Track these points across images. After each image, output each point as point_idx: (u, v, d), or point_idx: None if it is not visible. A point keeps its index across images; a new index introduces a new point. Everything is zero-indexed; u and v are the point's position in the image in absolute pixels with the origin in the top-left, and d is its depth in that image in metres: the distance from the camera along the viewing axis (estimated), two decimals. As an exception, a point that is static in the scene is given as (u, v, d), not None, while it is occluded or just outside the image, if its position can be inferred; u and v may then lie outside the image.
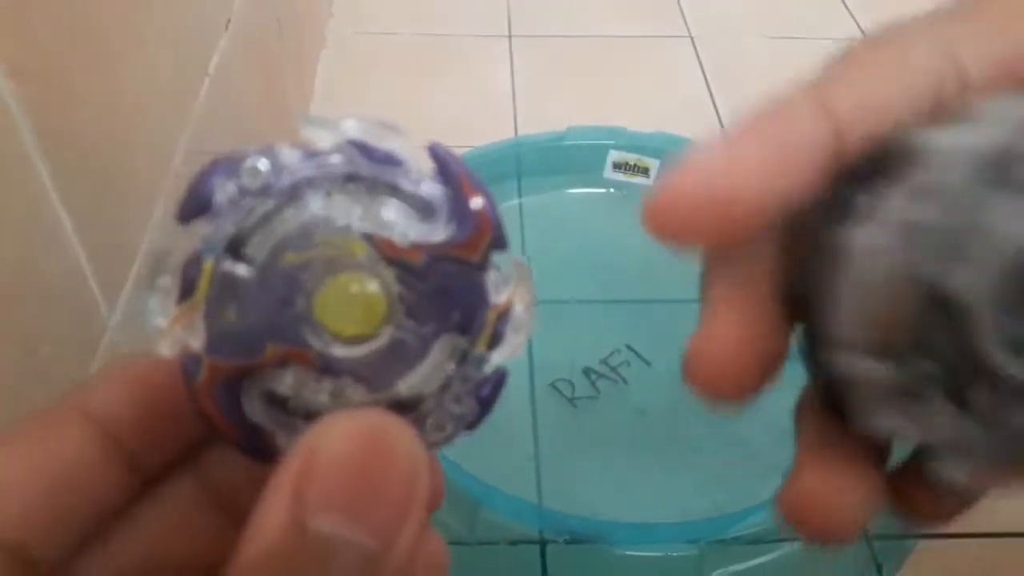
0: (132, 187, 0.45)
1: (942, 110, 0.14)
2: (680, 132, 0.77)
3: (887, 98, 0.14)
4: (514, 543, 0.52)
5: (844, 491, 0.14)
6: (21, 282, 0.33)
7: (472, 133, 0.86)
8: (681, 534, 0.51)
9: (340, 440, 0.13)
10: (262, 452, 0.15)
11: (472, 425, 0.16)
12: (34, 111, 0.34)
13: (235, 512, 0.16)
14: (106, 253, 0.40)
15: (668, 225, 0.14)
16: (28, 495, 0.14)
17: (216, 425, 0.15)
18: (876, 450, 0.15)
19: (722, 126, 0.95)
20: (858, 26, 1.12)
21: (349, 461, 0.12)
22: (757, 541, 0.52)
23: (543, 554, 0.52)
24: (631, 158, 0.75)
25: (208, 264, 0.15)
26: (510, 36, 1.07)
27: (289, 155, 0.16)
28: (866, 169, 0.14)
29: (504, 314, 0.16)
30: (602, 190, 0.77)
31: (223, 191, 0.16)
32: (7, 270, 0.32)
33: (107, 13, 0.42)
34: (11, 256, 0.33)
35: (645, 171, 0.74)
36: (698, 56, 1.05)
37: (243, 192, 0.15)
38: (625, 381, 0.61)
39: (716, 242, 0.15)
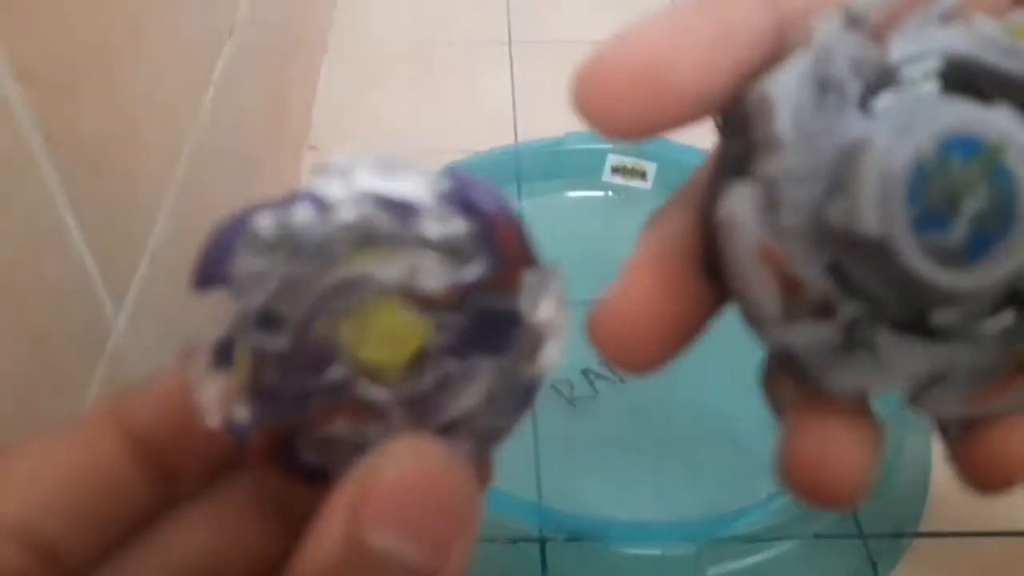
0: (138, 190, 0.45)
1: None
2: (678, 137, 0.77)
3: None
4: (514, 541, 0.53)
5: (843, 444, 0.14)
6: (27, 283, 0.34)
7: (472, 138, 0.87)
8: (679, 532, 0.52)
9: (396, 464, 0.13)
10: (320, 481, 0.15)
11: (512, 431, 0.16)
12: (41, 115, 0.34)
13: (286, 519, 0.17)
14: (112, 255, 0.41)
15: (599, 96, 0.14)
16: (60, 495, 0.14)
17: (274, 475, 0.15)
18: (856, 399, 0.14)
19: (721, 131, 0.95)
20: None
21: (405, 482, 0.13)
22: (754, 539, 0.52)
23: (543, 552, 0.53)
24: (629, 162, 0.75)
25: (242, 345, 0.15)
26: (510, 42, 1.07)
27: (303, 214, 0.15)
28: (735, 129, 0.14)
29: (541, 327, 0.16)
30: (601, 193, 0.77)
31: (240, 258, 0.15)
32: (14, 271, 0.33)
33: (115, 20, 0.42)
34: (18, 258, 0.33)
35: (643, 175, 0.75)
36: (697, 61, 1.06)
37: (262, 258, 0.15)
38: (623, 381, 0.62)
39: (647, 122, 0.14)
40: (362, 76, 1.01)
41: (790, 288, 0.12)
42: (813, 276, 0.12)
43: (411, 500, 0.13)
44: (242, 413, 0.15)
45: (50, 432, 0.15)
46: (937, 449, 0.56)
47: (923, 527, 0.58)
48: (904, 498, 0.59)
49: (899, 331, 0.13)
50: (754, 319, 0.13)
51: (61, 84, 0.37)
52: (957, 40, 0.12)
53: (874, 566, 0.56)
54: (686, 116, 0.14)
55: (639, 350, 0.14)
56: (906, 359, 0.13)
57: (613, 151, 0.76)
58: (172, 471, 0.16)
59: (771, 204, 0.12)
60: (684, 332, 0.15)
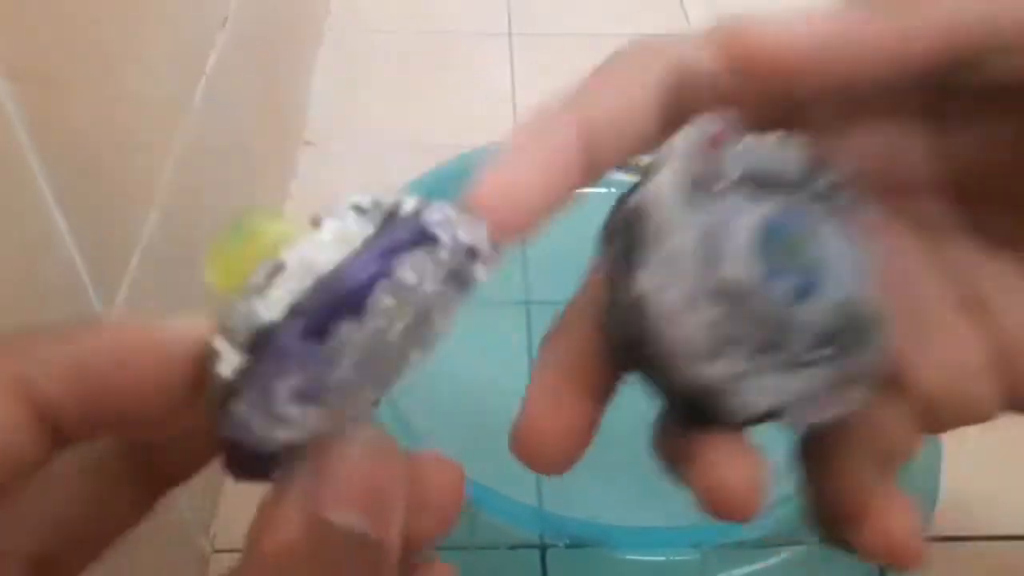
0: (128, 188, 0.45)
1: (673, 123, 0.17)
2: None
3: (629, 113, 0.17)
4: (514, 547, 0.52)
5: (740, 468, 0.17)
6: (16, 283, 0.33)
7: (471, 132, 0.86)
8: (683, 538, 0.51)
9: (352, 448, 0.15)
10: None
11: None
12: (30, 111, 0.33)
13: (152, 478, 0.18)
14: (102, 254, 0.40)
15: (486, 214, 0.17)
16: None
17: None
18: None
19: (723, 125, 0.94)
20: (859, 25, 1.12)
21: (361, 464, 0.15)
22: (759, 545, 0.51)
23: (543, 558, 0.52)
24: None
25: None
26: (510, 34, 1.06)
27: (415, 268, 0.16)
28: (620, 233, 0.18)
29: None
30: (602, 189, 0.76)
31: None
32: (2, 270, 0.32)
33: (103, 12, 0.42)
34: (5, 257, 0.33)
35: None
36: (699, 55, 1.05)
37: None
38: (624, 383, 0.61)
39: (514, 232, 0.17)
40: (359, 69, 1.00)
41: (703, 335, 0.16)
42: (713, 323, 0.16)
43: (367, 479, 0.15)
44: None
45: None
46: (946, 454, 0.56)
47: (932, 531, 0.58)
48: (912, 503, 0.58)
49: (775, 359, 0.17)
50: (672, 369, 0.16)
51: (49, 80, 0.36)
52: (757, 156, 0.17)
53: (882, 571, 0.55)
54: (535, 225, 0.18)
55: (558, 461, 0.17)
56: (784, 381, 0.16)
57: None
58: (65, 433, 0.15)
59: (670, 275, 0.16)
60: (592, 430, 0.19)
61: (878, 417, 0.18)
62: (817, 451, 0.19)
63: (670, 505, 0.56)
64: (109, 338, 0.15)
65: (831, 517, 0.19)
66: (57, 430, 0.15)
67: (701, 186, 0.16)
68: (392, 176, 0.70)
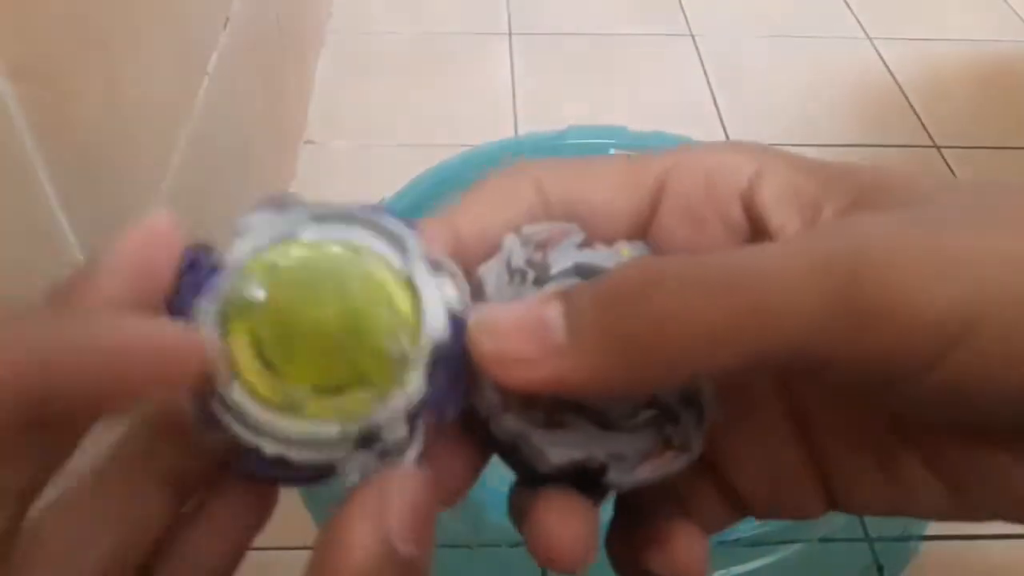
0: (131, 187, 0.44)
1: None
2: (681, 130, 0.77)
3: (496, 225, 0.19)
4: (515, 545, 0.52)
5: (567, 524, 0.18)
6: (18, 283, 0.33)
7: (472, 132, 0.86)
8: (682, 536, 0.51)
9: (409, 479, 0.16)
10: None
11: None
12: (33, 111, 0.33)
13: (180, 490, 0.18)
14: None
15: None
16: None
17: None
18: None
19: (723, 124, 0.94)
20: (859, 24, 1.12)
21: (421, 501, 0.16)
22: (758, 543, 0.51)
23: (544, 556, 0.52)
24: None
25: None
26: (510, 34, 1.06)
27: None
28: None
29: None
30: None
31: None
32: (5, 270, 0.32)
33: (106, 13, 0.42)
34: (8, 256, 0.33)
35: (646, 170, 0.74)
36: (699, 54, 1.05)
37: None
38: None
39: None
40: (360, 68, 1.00)
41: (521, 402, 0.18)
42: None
43: (420, 516, 0.16)
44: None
45: None
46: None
47: (929, 530, 0.58)
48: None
49: (587, 419, 0.18)
50: (487, 423, 0.18)
51: (52, 80, 0.36)
52: (585, 256, 0.19)
53: (880, 569, 0.55)
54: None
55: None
56: (595, 439, 0.18)
57: (615, 145, 0.75)
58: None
59: None
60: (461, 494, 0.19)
61: (697, 491, 0.20)
62: (634, 504, 0.20)
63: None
64: (108, 336, 0.15)
65: (630, 546, 0.20)
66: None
67: (518, 275, 0.19)
68: (392, 176, 0.70)
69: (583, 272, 0.19)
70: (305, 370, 0.16)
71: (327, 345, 0.16)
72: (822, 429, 0.19)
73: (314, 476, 0.17)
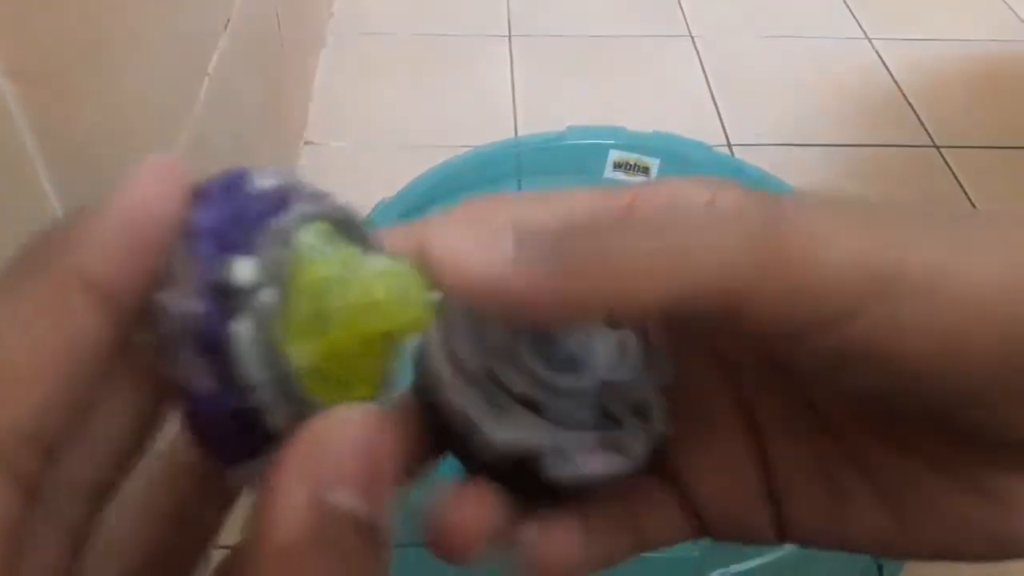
0: (131, 187, 0.44)
1: None
2: (681, 131, 0.77)
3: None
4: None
5: (466, 511, 0.17)
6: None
7: (472, 133, 0.86)
8: (682, 534, 0.51)
9: (343, 422, 0.14)
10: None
11: None
12: (33, 111, 0.34)
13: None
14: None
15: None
16: (46, 380, 0.14)
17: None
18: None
19: (723, 125, 0.95)
20: (859, 25, 1.12)
21: (360, 442, 0.14)
22: (758, 541, 0.51)
23: (544, 554, 0.52)
24: (632, 157, 0.74)
25: None
26: (510, 36, 1.07)
27: None
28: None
29: None
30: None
31: None
32: (3, 269, 0.32)
33: (107, 14, 0.42)
34: (7, 256, 0.33)
35: (646, 170, 0.74)
36: (698, 55, 1.05)
37: None
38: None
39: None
40: (360, 69, 1.01)
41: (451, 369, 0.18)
42: (482, 378, 0.18)
43: (365, 458, 0.14)
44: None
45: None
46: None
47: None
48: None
49: (532, 412, 0.18)
50: (448, 407, 0.18)
51: (53, 81, 0.36)
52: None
53: (880, 568, 0.56)
54: None
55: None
56: (538, 431, 0.18)
57: (615, 146, 0.75)
58: (122, 314, 0.15)
59: (453, 337, 0.19)
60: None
61: (656, 503, 0.20)
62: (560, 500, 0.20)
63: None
64: (120, 204, 0.15)
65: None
66: (117, 310, 0.15)
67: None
68: (392, 176, 0.70)
69: None
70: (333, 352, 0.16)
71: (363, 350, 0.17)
72: (776, 447, 0.19)
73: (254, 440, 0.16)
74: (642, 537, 0.19)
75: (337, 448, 0.14)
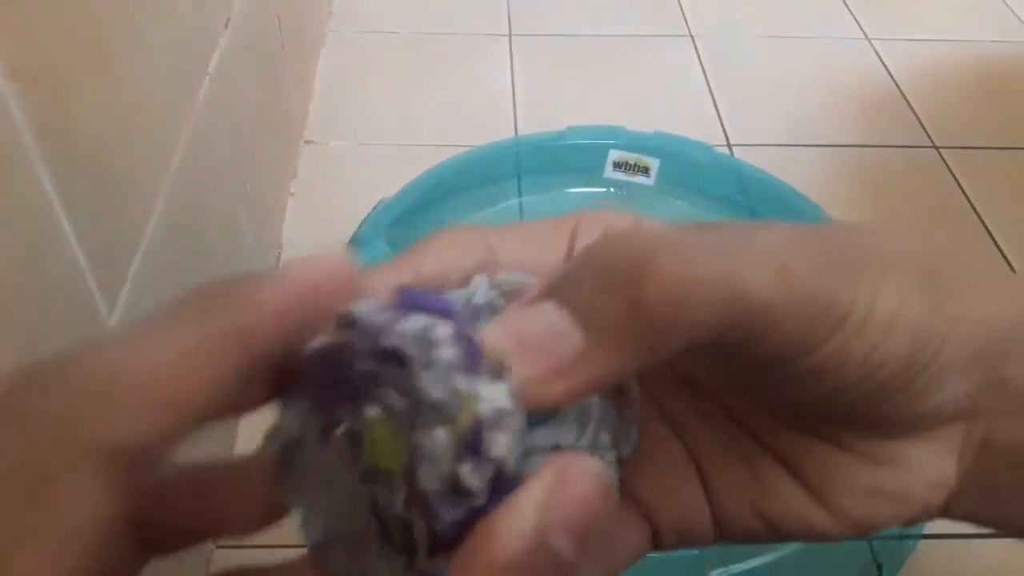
0: (132, 187, 0.44)
1: None
2: (681, 131, 0.77)
3: (453, 267, 0.20)
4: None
5: None
6: (20, 282, 0.33)
7: (472, 132, 0.86)
8: (681, 534, 0.51)
9: (589, 476, 0.16)
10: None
11: None
12: (34, 111, 0.33)
13: None
14: (105, 253, 0.40)
15: None
16: (184, 410, 0.15)
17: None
18: None
19: (722, 125, 0.95)
20: (858, 24, 1.12)
21: (591, 497, 0.15)
22: (757, 541, 0.51)
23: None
24: (632, 157, 0.74)
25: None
26: (510, 35, 1.07)
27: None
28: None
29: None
30: (602, 189, 0.76)
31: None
32: (6, 270, 0.32)
33: (106, 13, 0.42)
34: (10, 256, 0.33)
35: (646, 170, 0.74)
36: (698, 55, 1.05)
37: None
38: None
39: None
40: (360, 68, 1.00)
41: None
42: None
43: (592, 515, 0.15)
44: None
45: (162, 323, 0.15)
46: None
47: (928, 529, 0.58)
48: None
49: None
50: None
51: (53, 81, 0.36)
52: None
53: (879, 568, 0.56)
54: None
55: None
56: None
57: (615, 146, 0.75)
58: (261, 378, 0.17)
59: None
60: None
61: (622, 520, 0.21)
62: None
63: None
64: (294, 280, 0.16)
65: None
66: (262, 374, 0.16)
67: (473, 312, 0.19)
68: (392, 176, 0.70)
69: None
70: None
71: None
72: (704, 452, 0.21)
73: None
74: (612, 559, 0.21)
75: (578, 497, 0.15)
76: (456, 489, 0.16)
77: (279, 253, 0.78)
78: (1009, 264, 0.81)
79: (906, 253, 0.19)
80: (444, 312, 0.16)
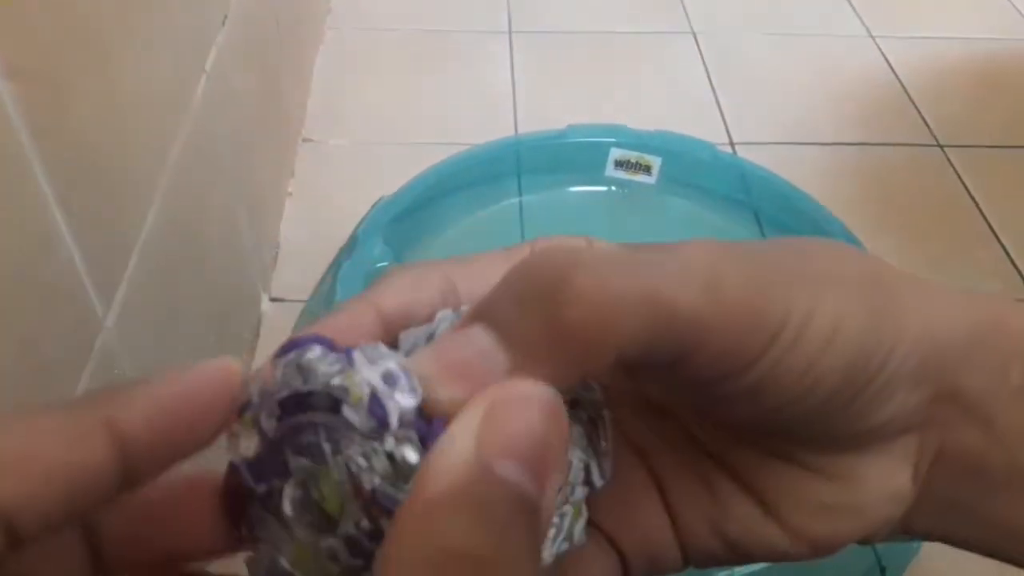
0: (128, 186, 0.44)
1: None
2: (683, 129, 0.76)
3: (414, 302, 0.20)
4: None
5: None
6: (16, 282, 0.33)
7: (471, 130, 0.85)
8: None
9: (525, 399, 0.15)
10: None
11: None
12: (30, 110, 0.33)
13: None
14: (101, 253, 0.40)
15: None
16: (45, 488, 0.16)
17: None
18: None
19: (725, 123, 0.94)
20: (862, 22, 1.11)
21: (533, 418, 0.15)
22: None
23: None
24: (633, 156, 0.74)
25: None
26: (510, 32, 1.06)
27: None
28: None
29: None
30: (603, 188, 0.76)
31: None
32: (2, 270, 0.32)
33: (103, 12, 0.41)
34: (6, 256, 0.32)
35: (647, 169, 0.74)
36: (701, 52, 1.05)
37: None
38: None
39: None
40: (359, 66, 1.00)
41: None
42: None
43: (537, 435, 0.15)
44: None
45: (37, 411, 0.16)
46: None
47: (932, 531, 0.57)
48: None
49: None
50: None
51: (50, 79, 0.36)
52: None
53: (883, 570, 0.55)
54: None
55: None
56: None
57: (617, 144, 0.74)
58: (140, 470, 0.17)
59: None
60: None
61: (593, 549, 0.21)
62: None
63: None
64: (170, 381, 0.17)
65: None
66: (132, 463, 0.17)
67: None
68: (391, 174, 0.69)
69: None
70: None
71: None
72: (665, 475, 0.21)
73: None
74: None
75: (517, 421, 0.15)
76: (399, 471, 0.15)
77: (276, 252, 0.77)
78: (1013, 263, 0.81)
79: (846, 268, 0.19)
80: (315, 340, 0.17)
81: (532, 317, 0.16)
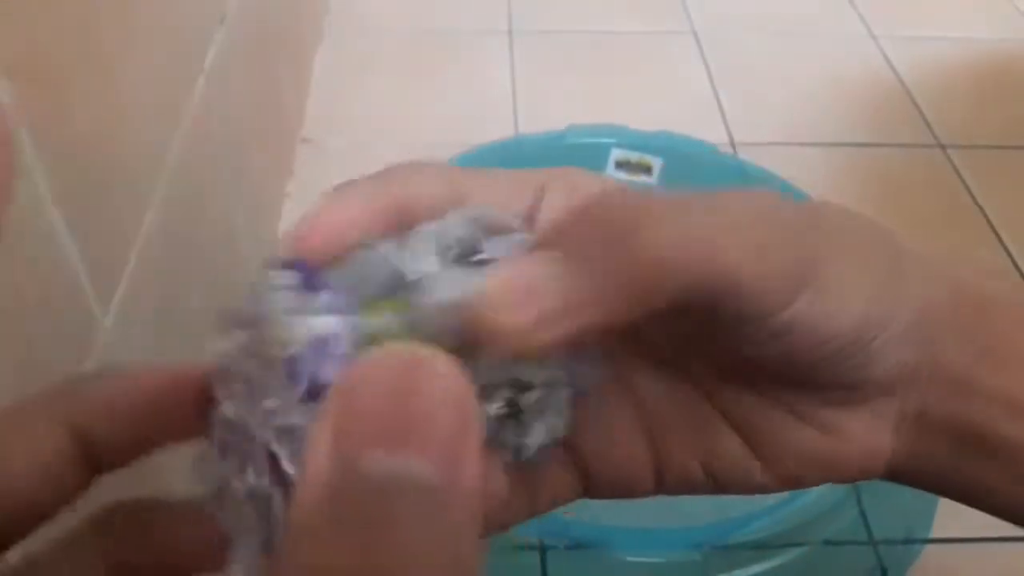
0: (127, 186, 0.44)
1: None
2: (684, 130, 0.76)
3: (423, 195, 0.21)
4: (513, 549, 0.52)
5: None
6: (15, 283, 0.33)
7: (471, 131, 0.85)
8: (684, 539, 0.51)
9: (373, 372, 0.12)
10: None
11: None
12: (28, 110, 0.33)
13: None
14: (100, 254, 0.40)
15: (301, 247, 0.20)
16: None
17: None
18: None
19: (726, 123, 0.94)
20: (864, 22, 1.11)
21: (386, 389, 0.12)
22: (760, 546, 0.51)
23: (543, 560, 0.52)
24: (633, 156, 0.74)
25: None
26: (510, 32, 1.06)
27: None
28: None
29: None
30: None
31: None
32: (0, 270, 0.32)
33: (102, 11, 0.41)
34: (4, 256, 0.32)
35: (648, 169, 0.73)
36: (702, 52, 1.04)
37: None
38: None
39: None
40: (358, 66, 1.00)
41: None
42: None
43: (398, 407, 0.11)
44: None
45: None
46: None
47: (933, 533, 0.57)
48: (914, 504, 0.58)
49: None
50: None
51: (48, 78, 0.36)
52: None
53: (884, 572, 0.55)
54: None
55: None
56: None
57: (617, 145, 0.74)
58: (100, 463, 0.18)
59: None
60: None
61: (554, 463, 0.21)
62: None
63: (670, 506, 0.55)
64: (135, 375, 0.18)
65: None
66: (94, 457, 0.17)
67: (445, 247, 0.20)
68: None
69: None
70: None
71: None
72: (654, 405, 0.22)
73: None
74: (535, 500, 0.21)
75: (369, 400, 0.12)
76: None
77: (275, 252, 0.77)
78: (1014, 262, 0.81)
79: (870, 232, 0.21)
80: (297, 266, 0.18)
81: (609, 251, 0.17)
